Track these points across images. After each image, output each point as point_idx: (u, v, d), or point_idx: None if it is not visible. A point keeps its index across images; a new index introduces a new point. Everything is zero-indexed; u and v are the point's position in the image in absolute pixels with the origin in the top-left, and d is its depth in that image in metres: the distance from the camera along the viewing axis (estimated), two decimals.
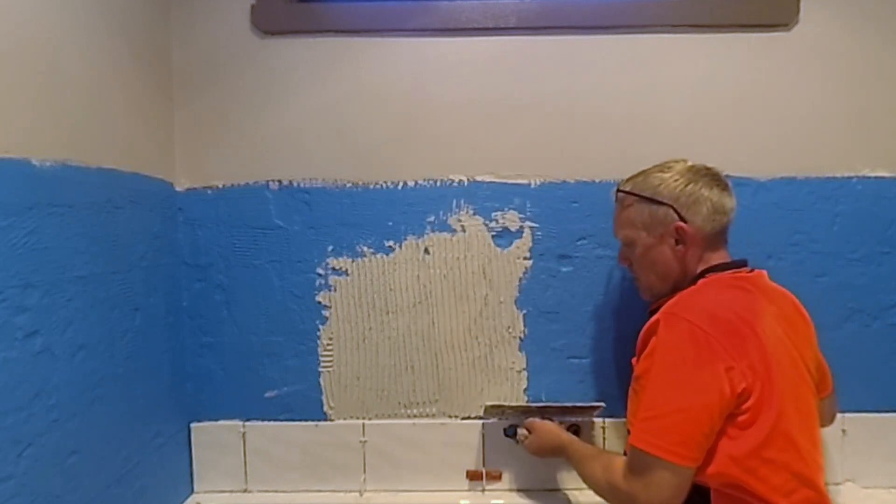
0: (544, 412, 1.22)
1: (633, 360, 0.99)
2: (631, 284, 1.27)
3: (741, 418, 0.86)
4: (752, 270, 1.02)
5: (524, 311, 1.28)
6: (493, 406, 1.24)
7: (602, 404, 1.22)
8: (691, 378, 0.86)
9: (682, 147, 1.25)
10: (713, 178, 1.01)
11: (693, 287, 0.98)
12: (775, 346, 0.90)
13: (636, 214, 1.03)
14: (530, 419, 1.20)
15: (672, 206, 0.99)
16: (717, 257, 1.01)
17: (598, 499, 0.99)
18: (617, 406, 1.19)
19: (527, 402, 1.28)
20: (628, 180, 1.06)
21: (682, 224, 0.98)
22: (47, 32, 0.87)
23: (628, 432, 0.93)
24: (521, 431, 1.21)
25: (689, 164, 1.03)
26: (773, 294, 0.99)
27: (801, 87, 1.25)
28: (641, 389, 0.91)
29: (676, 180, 1.00)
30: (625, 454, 0.95)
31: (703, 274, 1.00)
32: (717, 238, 1.01)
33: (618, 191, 1.08)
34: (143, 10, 1.16)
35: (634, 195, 1.03)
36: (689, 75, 1.26)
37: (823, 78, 1.25)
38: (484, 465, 1.29)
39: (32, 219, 0.82)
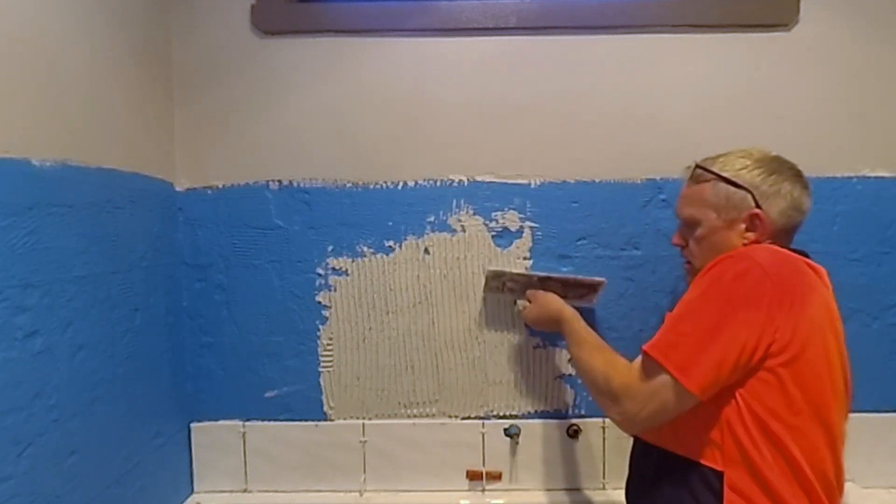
0: (546, 283, 1.20)
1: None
2: (631, 284, 1.27)
3: (777, 368, 0.83)
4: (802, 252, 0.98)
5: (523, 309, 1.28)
6: (494, 272, 1.21)
7: (603, 279, 1.20)
8: (731, 313, 0.82)
9: (682, 147, 1.25)
10: (797, 174, 0.97)
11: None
12: (818, 323, 0.87)
13: (710, 194, 0.98)
14: (532, 290, 1.18)
15: (751, 192, 0.94)
16: (782, 243, 0.97)
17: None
18: None
19: (529, 270, 1.26)
20: (708, 159, 1.02)
21: (758, 211, 0.94)
22: (47, 32, 0.87)
23: None
24: (521, 302, 1.18)
25: (774, 154, 0.99)
26: (826, 286, 0.96)
27: (801, 87, 1.25)
28: (679, 307, 0.88)
29: (761, 167, 0.96)
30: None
31: None
32: (787, 236, 0.98)
33: (696, 167, 1.02)
34: (143, 10, 1.16)
35: (713, 173, 0.98)
36: (689, 75, 1.26)
37: (823, 78, 1.25)
38: (484, 465, 1.29)
39: (32, 219, 0.82)
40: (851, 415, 1.25)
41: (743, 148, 1.00)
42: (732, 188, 0.96)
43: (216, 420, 1.30)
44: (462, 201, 1.27)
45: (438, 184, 1.27)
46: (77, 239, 0.92)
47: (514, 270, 1.23)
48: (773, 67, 1.25)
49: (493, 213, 1.27)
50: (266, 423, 1.30)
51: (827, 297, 0.92)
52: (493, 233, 1.27)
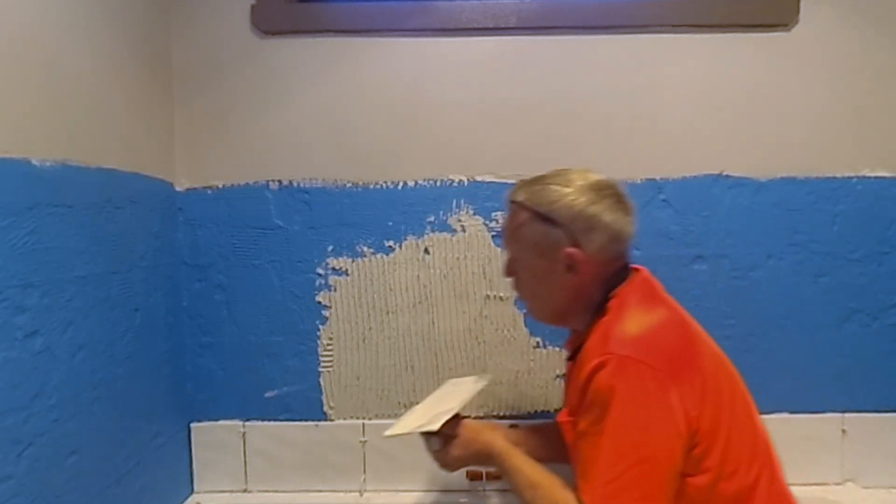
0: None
1: (562, 415, 0.89)
2: None
3: (697, 450, 0.79)
4: (636, 268, 0.94)
5: (524, 312, 1.28)
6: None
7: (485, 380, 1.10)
8: (649, 423, 0.76)
9: (683, 147, 1.26)
10: (617, 199, 0.89)
11: (609, 315, 0.86)
12: (712, 356, 0.87)
13: (527, 231, 0.90)
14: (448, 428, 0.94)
15: (567, 229, 0.87)
16: (613, 269, 0.90)
17: None
18: None
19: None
20: (522, 187, 0.93)
21: (573, 251, 0.86)
22: (47, 32, 0.87)
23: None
24: (434, 441, 0.96)
25: (593, 178, 0.90)
26: (664, 293, 0.94)
27: (801, 87, 1.25)
28: (591, 447, 0.78)
29: (576, 199, 0.87)
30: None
31: (608, 296, 0.88)
32: (618, 262, 0.91)
33: (510, 200, 0.94)
34: (143, 10, 1.16)
35: (527, 209, 0.90)
36: (690, 75, 1.26)
37: (823, 78, 1.25)
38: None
39: (32, 219, 0.82)
40: (852, 415, 1.27)
41: (562, 170, 0.92)
42: (547, 225, 0.88)
43: (216, 420, 1.30)
44: (462, 201, 1.27)
45: (438, 184, 1.27)
46: (77, 239, 0.92)
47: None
48: (773, 67, 1.25)
49: (493, 213, 1.27)
50: (266, 423, 1.29)
51: (680, 312, 0.91)
52: (493, 233, 1.27)
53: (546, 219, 0.88)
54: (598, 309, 0.88)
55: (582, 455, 0.80)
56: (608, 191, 0.89)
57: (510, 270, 0.97)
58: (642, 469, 0.75)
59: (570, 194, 0.87)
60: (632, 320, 0.84)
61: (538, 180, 0.92)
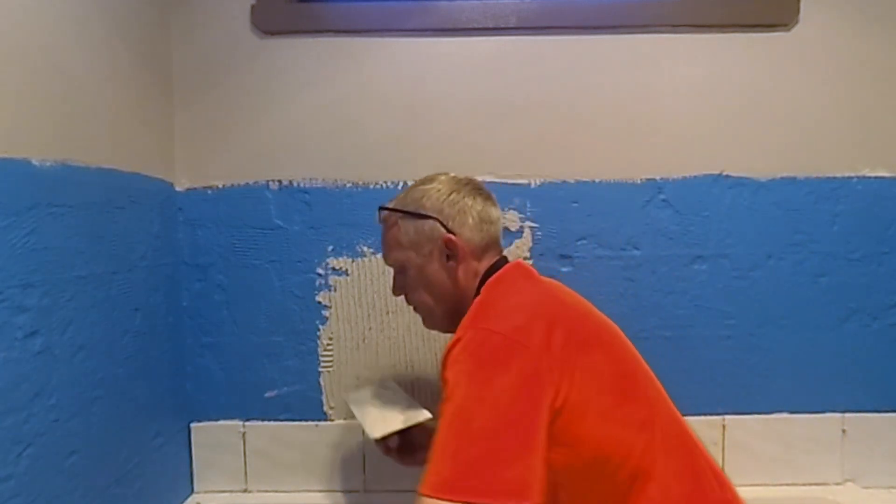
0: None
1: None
2: (631, 284, 1.27)
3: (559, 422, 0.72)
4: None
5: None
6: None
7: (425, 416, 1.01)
8: (502, 393, 0.69)
9: (682, 147, 1.26)
10: (475, 188, 0.94)
11: (475, 301, 0.86)
12: (599, 336, 0.82)
13: (402, 233, 0.93)
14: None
15: (437, 218, 0.90)
16: (488, 263, 0.92)
17: None
18: None
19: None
20: (391, 200, 0.98)
21: (450, 236, 0.89)
22: (47, 32, 0.87)
23: None
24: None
25: (452, 175, 0.96)
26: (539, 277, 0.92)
27: (801, 88, 1.25)
28: (439, 431, 0.69)
29: (439, 190, 0.92)
30: None
31: (483, 282, 0.89)
32: (492, 250, 0.93)
33: (380, 209, 0.98)
34: (143, 10, 1.16)
35: (398, 212, 0.94)
36: (689, 75, 1.26)
37: (823, 78, 1.25)
38: None
39: (32, 219, 0.82)
40: (851, 415, 1.27)
41: (424, 177, 0.97)
42: (419, 220, 0.92)
43: (216, 420, 1.30)
44: None
45: None
46: (77, 239, 0.92)
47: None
48: (773, 67, 1.25)
49: None
50: (266, 423, 1.29)
51: (555, 290, 0.89)
52: None
53: (416, 215, 0.92)
54: (475, 298, 0.88)
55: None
56: (466, 181, 0.95)
57: (397, 285, 0.99)
58: (496, 442, 0.66)
59: (433, 188, 0.93)
60: (497, 298, 0.84)
61: (404, 190, 0.98)
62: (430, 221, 0.91)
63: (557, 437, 0.72)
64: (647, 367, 0.88)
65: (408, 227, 0.93)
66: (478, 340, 0.75)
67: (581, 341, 0.78)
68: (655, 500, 0.75)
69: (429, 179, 0.96)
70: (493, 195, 0.97)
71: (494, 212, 0.94)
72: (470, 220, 0.91)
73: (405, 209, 0.94)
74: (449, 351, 0.76)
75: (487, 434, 0.67)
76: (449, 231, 0.90)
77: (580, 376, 0.75)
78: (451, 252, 0.90)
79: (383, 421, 1.00)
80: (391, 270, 0.95)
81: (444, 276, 0.92)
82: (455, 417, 0.69)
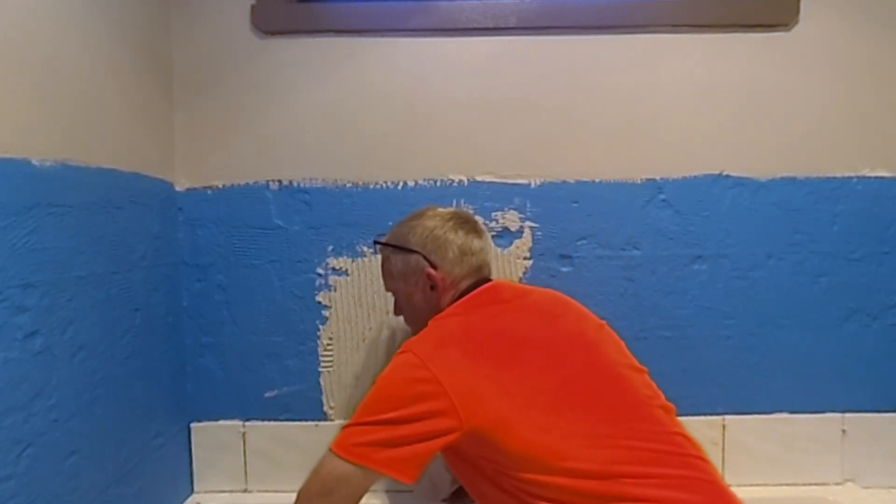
0: None
1: None
2: (631, 284, 1.27)
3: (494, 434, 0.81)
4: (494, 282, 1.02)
5: None
6: None
7: None
8: (400, 396, 0.83)
9: (682, 147, 1.26)
10: (460, 221, 1.02)
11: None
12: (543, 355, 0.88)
13: (392, 265, 1.04)
14: None
15: (421, 253, 0.99)
16: (464, 287, 1.00)
17: None
18: None
19: None
20: (387, 232, 1.08)
21: (430, 270, 0.98)
22: (47, 32, 0.87)
23: None
24: None
25: (442, 210, 1.04)
26: (523, 291, 1.02)
27: (801, 87, 1.25)
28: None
29: (424, 226, 1.01)
30: None
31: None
32: (475, 277, 1.01)
33: (375, 242, 1.10)
34: (143, 10, 1.16)
35: (389, 246, 1.04)
36: (689, 75, 1.26)
37: (823, 78, 1.25)
38: None
39: (32, 219, 0.82)
40: (852, 415, 1.27)
41: (414, 213, 1.06)
42: (405, 254, 1.01)
43: (216, 420, 1.30)
44: (462, 201, 1.27)
45: (438, 184, 1.27)
46: (77, 239, 0.92)
47: None
48: (773, 67, 1.25)
49: (493, 213, 1.27)
50: (266, 423, 1.29)
51: (529, 301, 0.98)
52: (494, 233, 1.27)
53: (403, 249, 1.01)
54: None
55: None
56: (454, 216, 1.03)
57: (396, 308, 1.09)
58: (383, 428, 0.82)
59: (419, 225, 1.02)
60: (434, 323, 0.93)
61: (398, 223, 1.06)
62: (415, 256, 1.00)
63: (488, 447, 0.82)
64: (621, 374, 0.90)
65: (396, 260, 1.03)
66: (399, 358, 0.87)
67: (496, 362, 0.86)
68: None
69: (417, 216, 1.04)
70: (480, 225, 1.05)
71: (477, 243, 1.01)
72: (450, 254, 0.99)
73: (395, 244, 1.03)
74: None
75: (383, 423, 0.82)
76: (431, 264, 0.99)
77: (513, 394, 0.83)
78: (433, 284, 0.99)
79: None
80: None
81: (426, 304, 1.00)
82: (366, 402, 0.86)
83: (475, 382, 0.82)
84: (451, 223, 1.01)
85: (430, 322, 0.95)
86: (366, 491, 0.84)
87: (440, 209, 1.05)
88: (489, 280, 1.02)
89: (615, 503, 0.77)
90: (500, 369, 0.84)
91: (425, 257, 0.99)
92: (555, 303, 1.02)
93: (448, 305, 0.98)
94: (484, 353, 0.86)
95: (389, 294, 1.10)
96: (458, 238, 1.00)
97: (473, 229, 1.03)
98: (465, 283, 1.00)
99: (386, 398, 0.84)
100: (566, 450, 0.80)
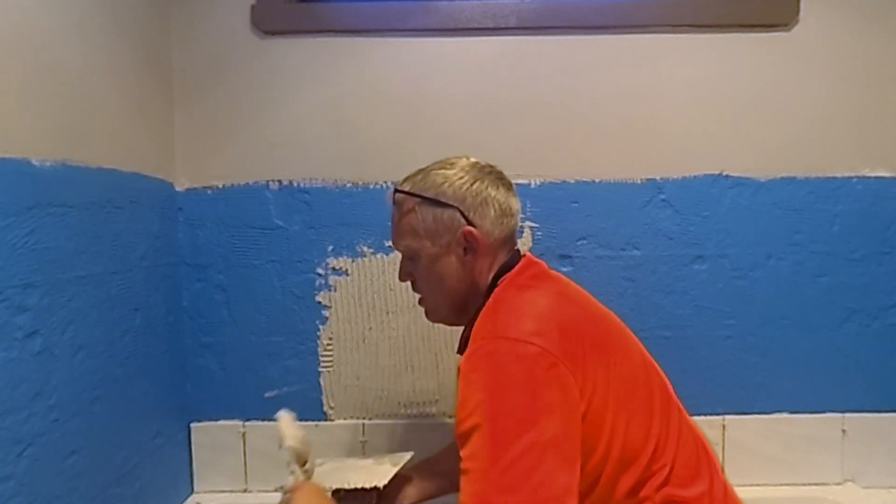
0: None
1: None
2: (631, 284, 1.27)
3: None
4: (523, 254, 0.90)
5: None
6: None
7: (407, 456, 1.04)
8: (533, 405, 0.68)
9: (683, 147, 1.26)
10: (498, 176, 0.88)
11: (491, 300, 0.82)
12: (619, 339, 0.83)
13: (418, 220, 0.86)
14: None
15: (458, 208, 0.84)
16: (504, 258, 0.88)
17: None
18: None
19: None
20: (407, 179, 0.89)
21: (470, 228, 0.83)
22: (47, 32, 0.87)
23: None
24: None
25: (473, 160, 0.89)
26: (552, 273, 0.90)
27: (801, 87, 1.25)
28: (471, 444, 0.68)
29: (462, 178, 0.85)
30: None
31: (495, 282, 0.85)
32: (508, 244, 0.88)
33: (395, 191, 0.90)
34: (143, 10, 1.16)
35: (415, 196, 0.86)
36: (689, 75, 1.26)
37: (823, 78, 1.25)
38: None
39: (32, 219, 0.82)
40: (852, 415, 1.27)
41: (441, 160, 0.90)
42: (438, 208, 0.85)
43: (216, 420, 1.30)
44: None
45: None
46: (77, 239, 0.92)
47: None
48: (773, 67, 1.25)
49: None
50: (266, 423, 1.29)
51: (570, 290, 0.87)
52: None
53: (436, 202, 0.85)
54: (486, 296, 0.84)
55: (462, 455, 0.69)
56: (489, 169, 0.88)
57: (405, 271, 0.92)
58: (533, 456, 0.65)
59: (455, 175, 0.86)
60: (512, 301, 0.80)
61: (419, 171, 0.90)
62: (451, 210, 0.84)
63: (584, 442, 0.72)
64: (652, 360, 0.89)
65: (426, 214, 0.85)
66: (504, 352, 0.71)
67: (594, 346, 0.77)
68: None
69: (449, 164, 0.88)
70: (513, 184, 0.91)
71: (515, 203, 0.88)
72: (492, 212, 0.85)
73: (424, 195, 0.86)
74: (467, 361, 0.74)
75: (527, 449, 0.66)
76: (469, 223, 0.84)
77: (593, 382, 0.74)
78: (469, 245, 0.84)
79: (374, 473, 0.97)
80: (392, 268, 0.92)
81: (458, 270, 0.86)
82: (488, 435, 0.67)
83: (588, 370, 0.73)
84: (491, 176, 0.87)
85: (500, 296, 0.82)
86: None
87: (470, 158, 0.90)
88: (520, 254, 0.89)
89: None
90: (601, 357, 0.76)
91: (463, 214, 0.84)
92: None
93: (483, 273, 0.86)
94: (581, 337, 0.75)
95: (396, 254, 0.94)
96: (499, 195, 0.85)
97: (511, 187, 0.89)
98: (501, 251, 0.87)
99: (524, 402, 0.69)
100: (656, 450, 0.76)
